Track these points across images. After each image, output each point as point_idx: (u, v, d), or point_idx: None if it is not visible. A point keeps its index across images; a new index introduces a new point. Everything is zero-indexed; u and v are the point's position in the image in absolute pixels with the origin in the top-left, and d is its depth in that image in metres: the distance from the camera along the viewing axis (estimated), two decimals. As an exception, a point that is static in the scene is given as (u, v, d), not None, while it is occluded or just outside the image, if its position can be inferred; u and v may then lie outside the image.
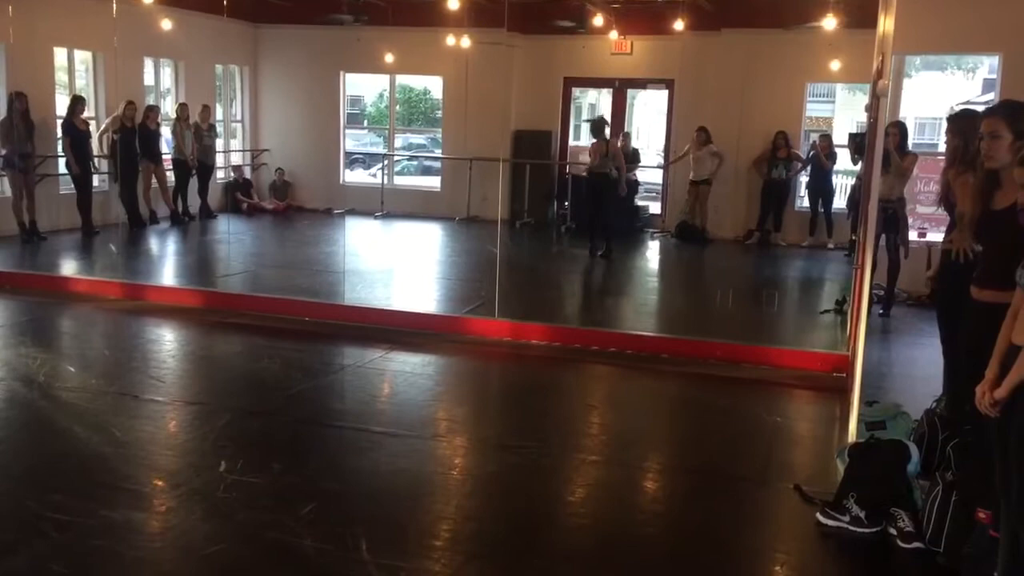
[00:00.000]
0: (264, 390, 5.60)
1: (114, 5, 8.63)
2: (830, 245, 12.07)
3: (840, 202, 12.32)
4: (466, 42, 12.54)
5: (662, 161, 14.17)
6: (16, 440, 4.71)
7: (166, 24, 11.99)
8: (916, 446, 4.27)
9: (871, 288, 8.17)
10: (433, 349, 6.70)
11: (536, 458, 4.64)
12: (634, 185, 13.66)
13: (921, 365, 6.34)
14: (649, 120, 17.87)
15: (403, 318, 7.39)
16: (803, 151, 12.82)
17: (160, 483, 4.14)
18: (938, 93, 17.57)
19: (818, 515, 3.93)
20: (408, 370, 6.29)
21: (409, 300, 8.70)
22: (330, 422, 5.08)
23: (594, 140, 11.05)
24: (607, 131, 11.07)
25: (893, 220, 7.98)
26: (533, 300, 8.57)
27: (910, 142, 8.58)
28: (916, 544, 3.68)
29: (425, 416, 5.40)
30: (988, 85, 15.71)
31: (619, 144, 11.90)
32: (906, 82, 15.22)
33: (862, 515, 3.82)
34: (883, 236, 7.90)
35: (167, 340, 6.96)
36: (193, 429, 4.86)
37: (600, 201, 10.89)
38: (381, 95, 17.07)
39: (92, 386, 5.49)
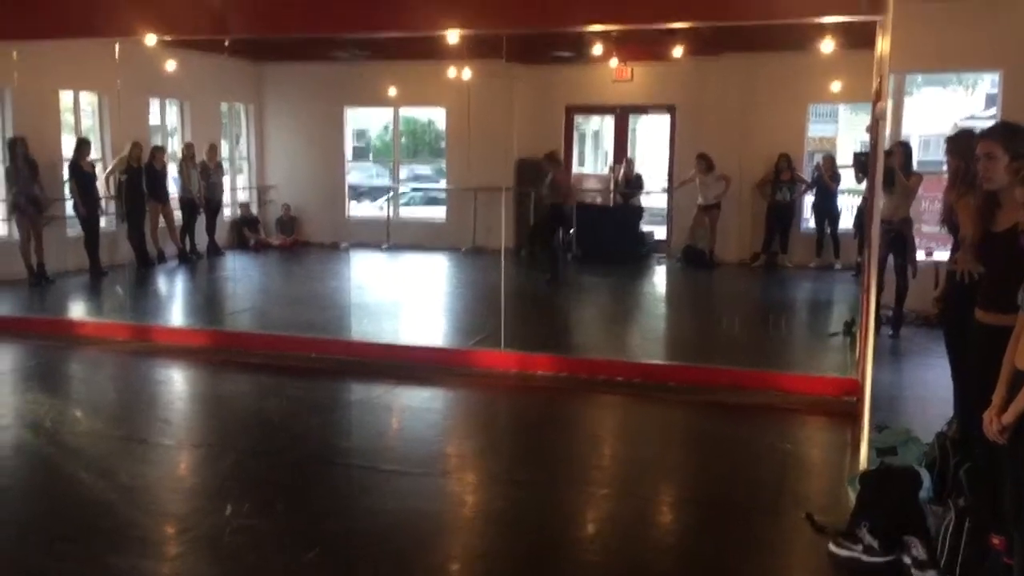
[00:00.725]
0: (269, 429, 5.58)
1: (116, 48, 8.70)
2: (837, 266, 12.03)
3: (847, 222, 12.30)
4: (467, 73, 12.62)
5: (665, 186, 14.18)
6: (22, 487, 4.71)
7: (171, 65, 12.12)
8: (928, 471, 4.23)
9: (879, 310, 8.19)
10: (439, 383, 6.67)
11: (545, 492, 4.60)
12: (638, 211, 13.68)
13: (932, 387, 6.28)
14: (652, 145, 17.91)
15: (409, 352, 7.36)
16: (807, 172, 12.82)
17: (167, 528, 4.12)
18: (941, 109, 17.56)
19: (830, 545, 3.88)
20: (414, 405, 6.27)
21: (415, 333, 8.69)
22: (336, 460, 5.05)
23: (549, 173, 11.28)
24: (558, 163, 11.37)
25: (899, 241, 7.94)
26: (540, 330, 8.55)
27: (914, 160, 8.54)
28: (931, 572, 3.62)
29: (432, 452, 5.37)
30: (991, 100, 15.71)
31: (568, 176, 12.19)
32: (908, 100, 15.23)
33: (875, 544, 3.76)
34: (889, 257, 7.88)
35: (173, 381, 6.96)
36: (199, 472, 4.85)
37: (554, 230, 11.31)
38: (386, 128, 17.18)
39: (98, 430, 5.48)
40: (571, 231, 13.29)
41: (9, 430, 5.48)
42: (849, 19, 6.18)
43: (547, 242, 11.31)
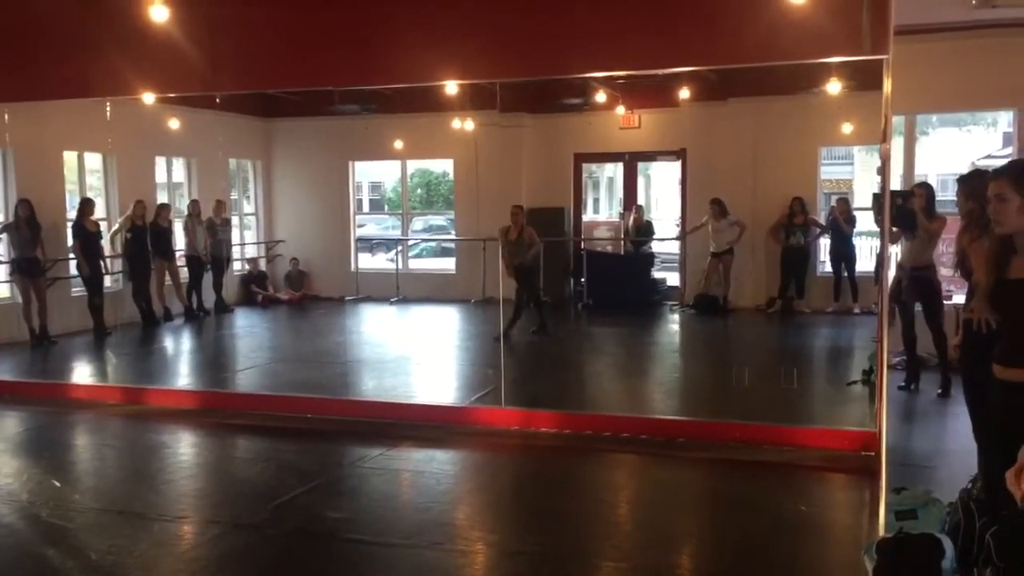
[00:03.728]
0: (254, 499, 5.31)
1: (107, 107, 8.69)
2: (856, 310, 11.69)
3: (866, 266, 11.99)
4: (470, 125, 12.56)
5: (676, 232, 13.96)
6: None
7: (177, 123, 12.15)
8: (951, 537, 3.90)
9: (909, 359, 7.83)
10: (437, 443, 6.41)
11: (546, 565, 4.31)
12: (650, 258, 13.45)
13: (958, 438, 5.94)
14: (663, 191, 17.75)
15: (408, 410, 7.12)
16: (822, 215, 12.57)
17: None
18: (958, 149, 17.30)
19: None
20: (409, 468, 6.00)
21: (416, 390, 8.45)
22: (321, 533, 4.77)
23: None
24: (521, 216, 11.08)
25: (927, 287, 7.48)
26: (544, 384, 8.28)
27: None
28: (957, 654, 3.29)
29: (424, 521, 5.06)
30: (1008, 139, 15.44)
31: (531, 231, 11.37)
32: (924, 139, 14.98)
33: (894, 622, 3.44)
34: (917, 305, 7.50)
35: (162, 447, 6.71)
36: (173, 547, 4.59)
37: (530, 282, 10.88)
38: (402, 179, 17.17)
39: (75, 503, 5.24)
40: (582, 280, 13.12)
41: None
42: (853, 59, 5.98)
43: (531, 294, 10.85)
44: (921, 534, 3.86)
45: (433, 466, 6.11)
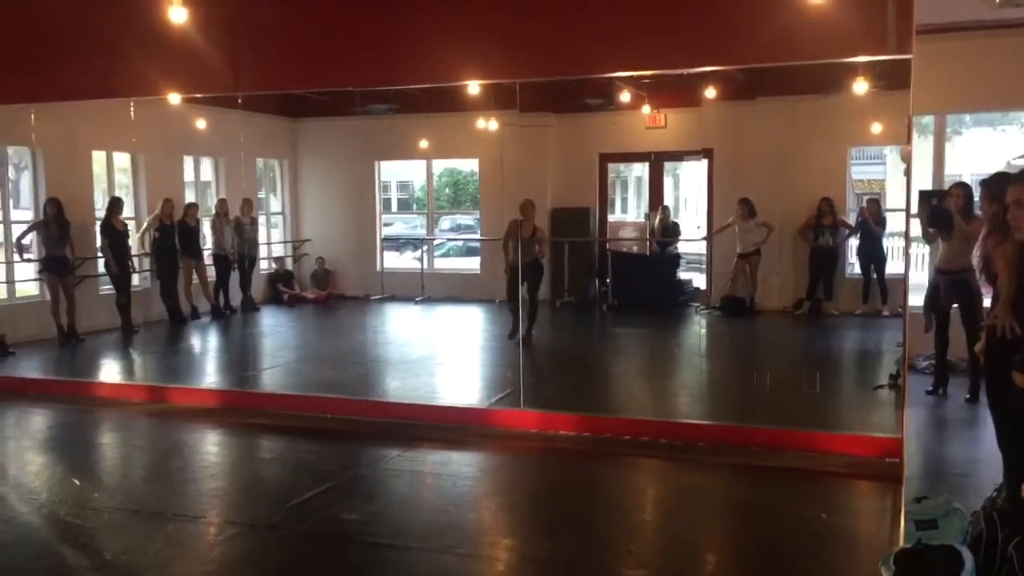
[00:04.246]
0: (270, 500, 5.32)
1: (131, 108, 8.76)
2: (885, 312, 11.52)
3: (897, 268, 11.79)
4: (495, 124, 12.54)
5: (701, 232, 13.84)
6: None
7: (205, 123, 12.26)
8: (973, 548, 3.80)
9: (938, 363, 7.65)
10: (455, 445, 6.38)
11: (562, 572, 4.28)
12: (675, 258, 13.36)
13: (988, 445, 5.81)
14: (689, 191, 17.62)
15: (426, 411, 7.10)
16: (852, 216, 12.40)
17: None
18: (992, 149, 17.00)
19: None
20: (426, 470, 5.97)
21: (437, 391, 8.43)
22: (335, 535, 4.75)
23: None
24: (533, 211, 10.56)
25: (965, 291, 7.10)
26: (565, 386, 8.23)
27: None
28: (975, 670, 3.21)
29: (440, 524, 5.02)
30: (1044, 138, 15.17)
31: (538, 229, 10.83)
32: (957, 139, 14.72)
33: (910, 636, 3.36)
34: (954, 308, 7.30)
35: (182, 446, 6.75)
36: (187, 548, 4.59)
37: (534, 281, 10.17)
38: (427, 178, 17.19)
39: (93, 501, 5.27)
40: (607, 280, 13.03)
41: (3, 502, 5.30)
42: (881, 59, 5.87)
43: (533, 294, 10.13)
44: (940, 545, 3.77)
45: (450, 468, 6.08)
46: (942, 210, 7.20)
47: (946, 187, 8.09)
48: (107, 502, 5.26)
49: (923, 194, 8.79)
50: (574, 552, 4.52)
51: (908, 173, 4.86)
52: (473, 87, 10.27)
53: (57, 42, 7.41)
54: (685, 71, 8.37)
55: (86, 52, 7.28)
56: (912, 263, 7.46)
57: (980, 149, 17.06)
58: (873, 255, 11.92)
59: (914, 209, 9.34)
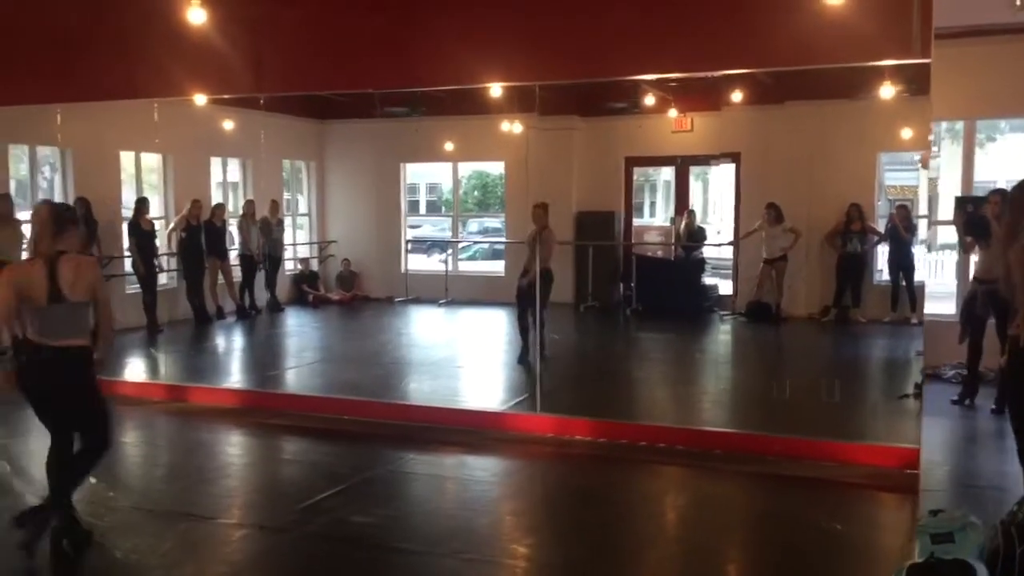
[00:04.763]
0: (283, 501, 5.33)
1: (155, 108, 8.85)
2: (914, 320, 11.31)
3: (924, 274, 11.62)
4: (520, 127, 12.50)
5: (727, 237, 13.71)
6: (10, 564, 4.53)
7: (233, 124, 12.35)
8: (989, 562, 3.71)
9: (969, 373, 7.48)
10: (471, 448, 6.36)
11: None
12: (701, 263, 13.24)
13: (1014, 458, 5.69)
14: (716, 196, 17.48)
15: (443, 415, 7.08)
16: (882, 223, 12.22)
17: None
18: (1028, 155, 16.67)
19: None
20: (439, 473, 5.96)
21: (455, 393, 8.41)
22: (345, 538, 4.75)
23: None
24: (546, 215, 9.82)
25: (1001, 301, 6.92)
26: (582, 391, 8.17)
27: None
28: None
29: (450, 528, 5.01)
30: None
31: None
32: (991, 146, 14.44)
33: (921, 654, 3.28)
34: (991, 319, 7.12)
35: (199, 446, 6.79)
36: (198, 548, 4.62)
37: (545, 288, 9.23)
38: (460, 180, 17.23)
39: (107, 499, 5.31)
40: (631, 285, 12.94)
41: (19, 499, 5.35)
42: (900, 63, 5.78)
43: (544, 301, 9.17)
44: (953, 560, 3.69)
45: (463, 472, 6.06)
46: (979, 217, 7.06)
47: (977, 193, 7.94)
48: (122, 501, 5.30)
49: (959, 201, 8.63)
50: (588, 559, 4.49)
51: (930, 179, 4.75)
52: (496, 89, 10.28)
53: (82, 43, 7.49)
54: (709, 74, 8.31)
55: (110, 53, 7.36)
56: (933, 270, 7.31)
57: (1016, 155, 16.75)
58: (902, 262, 11.73)
59: (939, 216, 9.21)
